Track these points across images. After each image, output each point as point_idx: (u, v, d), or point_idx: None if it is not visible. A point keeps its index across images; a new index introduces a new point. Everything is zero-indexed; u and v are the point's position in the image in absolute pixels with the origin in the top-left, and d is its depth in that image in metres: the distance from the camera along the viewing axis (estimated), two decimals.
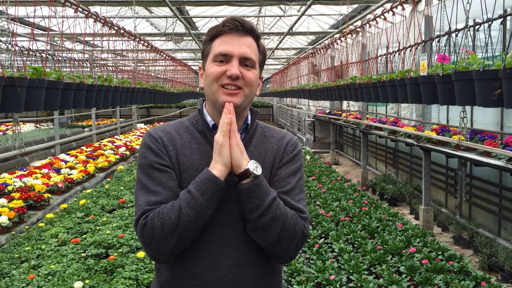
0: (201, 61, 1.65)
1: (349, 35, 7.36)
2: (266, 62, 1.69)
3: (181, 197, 1.44)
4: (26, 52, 4.14)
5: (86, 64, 6.29)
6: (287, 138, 1.66)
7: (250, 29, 1.55)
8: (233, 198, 1.50)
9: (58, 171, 9.12)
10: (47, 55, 4.67)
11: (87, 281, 3.95)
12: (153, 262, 4.31)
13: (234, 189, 1.49)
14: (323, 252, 4.97)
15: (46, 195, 7.28)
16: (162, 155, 1.53)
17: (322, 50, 10.20)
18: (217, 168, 1.44)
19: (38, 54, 4.36)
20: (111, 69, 7.84)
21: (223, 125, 1.45)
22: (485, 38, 3.22)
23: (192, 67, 21.42)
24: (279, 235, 1.46)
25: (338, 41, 8.18)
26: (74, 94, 4.20)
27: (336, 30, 10.25)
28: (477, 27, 3.47)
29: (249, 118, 1.63)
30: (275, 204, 1.46)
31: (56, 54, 5.08)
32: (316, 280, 4.27)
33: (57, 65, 4.72)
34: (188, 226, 1.41)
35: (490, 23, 3.22)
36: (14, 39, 3.55)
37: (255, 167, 1.45)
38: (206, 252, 1.49)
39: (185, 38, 12.61)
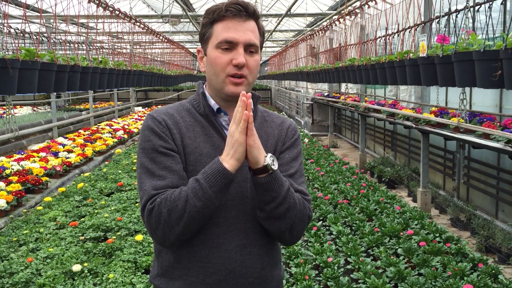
0: (200, 44, 1.61)
1: (348, 17, 7.28)
2: (264, 45, 1.66)
3: (190, 186, 1.41)
4: (20, 34, 4.08)
5: (82, 46, 6.21)
6: (287, 123, 1.67)
7: (253, 12, 1.51)
8: (237, 181, 1.50)
9: (56, 154, 9.10)
10: (42, 38, 4.61)
11: (85, 264, 3.96)
12: (152, 245, 4.32)
13: (238, 172, 1.46)
14: (321, 234, 4.98)
15: (44, 179, 7.27)
16: (166, 138, 1.49)
17: (320, 32, 10.11)
18: (229, 162, 1.40)
19: (33, 36, 4.30)
20: (107, 51, 7.76)
21: (239, 119, 1.39)
22: (486, 19, 3.17)
23: (190, 49, 21.27)
24: (291, 222, 1.49)
25: (337, 23, 8.10)
26: (69, 76, 4.15)
27: (335, 12, 10.14)
28: (477, 7, 3.42)
29: (252, 103, 1.58)
30: (289, 194, 1.46)
31: (50, 36, 5.02)
32: (314, 263, 4.29)
33: (52, 47, 4.67)
34: (194, 216, 1.40)
35: (490, 3, 3.17)
36: (6, 20, 3.49)
37: (272, 162, 1.43)
38: (212, 235, 1.49)
39: (182, 20, 12.47)
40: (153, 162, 1.47)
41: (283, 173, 1.54)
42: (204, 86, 1.62)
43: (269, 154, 1.44)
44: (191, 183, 1.42)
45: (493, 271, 3.85)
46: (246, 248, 1.51)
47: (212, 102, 1.57)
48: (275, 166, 1.43)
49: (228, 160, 1.41)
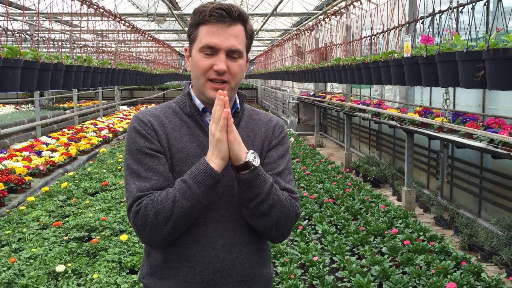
0: (188, 42, 1.61)
1: (333, 17, 7.31)
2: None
3: (177, 187, 1.42)
4: (2, 32, 4.02)
5: (66, 44, 6.15)
6: (274, 121, 1.67)
7: (238, 17, 1.49)
8: (225, 180, 1.51)
9: (39, 153, 8.99)
10: (25, 35, 4.55)
11: (69, 265, 3.92)
12: (136, 245, 4.29)
13: (225, 171, 1.48)
14: (307, 233, 4.99)
15: (27, 178, 7.18)
16: (152, 139, 1.51)
17: (306, 32, 10.13)
18: (215, 162, 1.42)
19: (15, 34, 4.24)
20: (92, 50, 7.69)
21: (218, 118, 1.40)
22: (469, 20, 3.21)
23: (175, 48, 21.17)
24: (277, 219, 1.49)
25: (322, 23, 8.13)
26: (52, 74, 4.10)
27: (321, 12, 10.18)
28: (460, 8, 3.46)
29: (238, 102, 1.62)
30: (273, 191, 1.47)
31: (33, 34, 4.95)
32: (299, 262, 4.30)
33: (35, 45, 4.60)
34: (182, 216, 1.41)
35: (473, 4, 3.21)
36: None
37: (253, 158, 1.44)
38: (200, 234, 1.50)
39: (167, 18, 12.41)
40: (139, 163, 1.48)
41: (270, 171, 1.55)
42: (190, 86, 1.63)
43: (251, 151, 1.45)
44: (178, 184, 1.43)
45: (476, 269, 3.90)
46: (234, 246, 1.52)
47: (197, 102, 1.57)
48: (257, 163, 1.44)
49: (214, 160, 1.42)
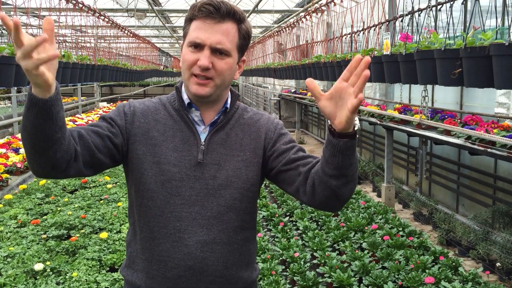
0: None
1: (314, 14, 7.34)
2: None
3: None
4: None
5: None
6: (265, 118, 1.63)
7: (228, 13, 1.47)
8: (204, 177, 1.49)
9: (16, 150, 8.82)
10: (2, 30, 4.46)
11: (48, 263, 3.87)
12: (116, 243, 4.26)
13: (205, 167, 1.48)
14: (288, 230, 5.02)
15: (4, 176, 7.04)
16: (123, 118, 1.53)
17: (287, 29, 10.15)
18: (33, 88, 1.23)
19: None
20: (70, 45, 7.58)
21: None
22: (447, 18, 3.26)
23: (156, 44, 21.00)
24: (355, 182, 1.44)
25: (304, 20, 8.15)
26: None
27: (302, 9, 10.20)
28: (439, 7, 3.51)
29: (229, 101, 1.60)
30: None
31: None
32: (281, 258, 4.32)
33: (13, 40, 4.51)
34: (24, 137, 1.28)
35: (451, 3, 3.26)
36: None
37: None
38: (174, 229, 1.49)
39: (148, 14, 12.30)
40: (94, 124, 1.50)
41: (291, 156, 1.52)
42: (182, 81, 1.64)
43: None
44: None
45: (454, 264, 3.97)
46: (208, 245, 1.49)
47: (185, 96, 1.57)
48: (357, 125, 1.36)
49: (33, 87, 1.24)
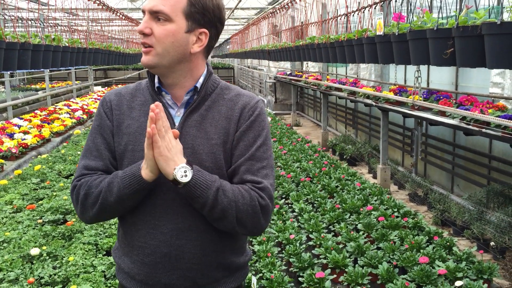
0: None
1: None
2: (226, 23, 1.59)
3: (109, 179, 1.46)
4: None
5: (35, 23, 5.97)
6: (243, 101, 1.51)
7: None
8: None
9: (11, 136, 8.79)
10: None
11: (44, 248, 3.88)
12: (113, 227, 4.27)
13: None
14: (284, 212, 5.04)
15: None
16: (106, 119, 1.54)
17: (282, 10, 10.06)
18: (145, 172, 1.41)
19: None
20: (62, 29, 7.49)
21: (148, 134, 1.37)
22: None
23: None
24: (236, 219, 1.42)
25: (298, 1, 8.07)
26: (19, 54, 3.99)
27: None
28: None
29: (202, 79, 1.51)
30: (220, 195, 1.39)
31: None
32: (276, 240, 4.34)
33: (3, 24, 4.46)
34: (106, 208, 1.46)
35: None
36: None
37: (183, 173, 1.36)
38: (151, 216, 1.48)
39: None
40: (93, 142, 1.54)
41: (235, 162, 1.47)
42: None
43: (180, 165, 1.37)
44: (111, 176, 1.46)
45: (448, 243, 4.01)
46: (184, 232, 1.47)
47: (156, 80, 1.53)
48: (187, 179, 1.37)
49: (145, 169, 1.42)
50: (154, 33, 1.43)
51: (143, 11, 1.45)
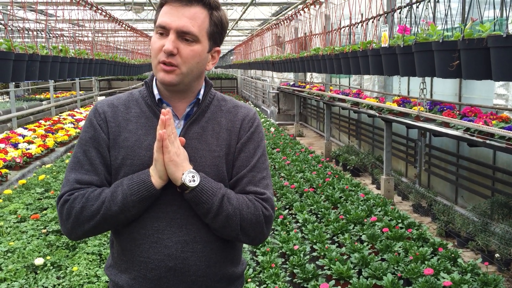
0: None
1: (312, 6, 7.32)
2: (229, 34, 1.59)
3: (112, 188, 1.43)
4: None
5: (41, 34, 6.02)
6: (243, 113, 1.54)
7: None
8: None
9: (15, 145, 8.83)
10: None
11: (48, 257, 3.88)
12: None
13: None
14: (288, 223, 5.03)
15: (4, 171, 7.05)
16: (101, 132, 1.48)
17: (285, 21, 10.12)
18: (155, 178, 1.41)
19: None
20: (68, 40, 7.55)
21: (158, 138, 1.38)
22: (445, 10, 3.25)
23: None
24: (239, 228, 1.43)
25: (302, 12, 8.13)
26: (27, 65, 4.02)
27: (300, 1, 10.16)
28: None
29: (202, 92, 1.52)
30: (225, 202, 1.41)
31: (7, 24, 4.84)
32: (280, 251, 4.33)
33: (10, 35, 4.50)
34: (107, 219, 1.41)
35: None
36: None
37: (191, 178, 1.39)
38: (152, 229, 1.45)
39: (145, 7, 12.25)
40: (85, 155, 1.47)
41: (238, 173, 1.49)
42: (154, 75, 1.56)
43: (188, 170, 1.40)
44: (114, 186, 1.43)
45: (453, 255, 3.99)
46: (188, 245, 1.45)
47: (156, 91, 1.51)
48: (195, 183, 1.39)
49: (154, 176, 1.41)
50: (180, 53, 1.41)
51: (162, 27, 1.41)
